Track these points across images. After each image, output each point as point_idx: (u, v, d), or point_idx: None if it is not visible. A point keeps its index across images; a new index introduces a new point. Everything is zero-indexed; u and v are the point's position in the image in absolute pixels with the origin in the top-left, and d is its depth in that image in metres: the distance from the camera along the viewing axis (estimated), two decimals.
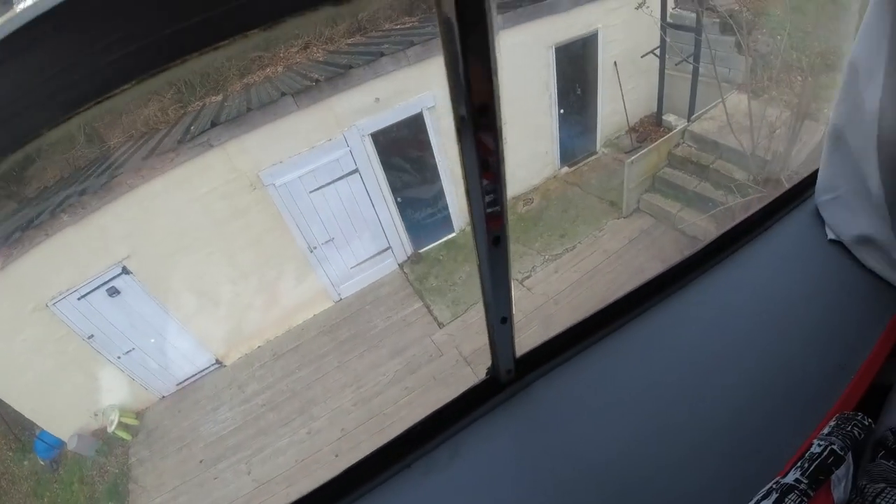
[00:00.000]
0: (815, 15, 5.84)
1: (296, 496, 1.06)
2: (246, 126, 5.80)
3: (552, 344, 1.22)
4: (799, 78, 5.92)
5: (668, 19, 7.15)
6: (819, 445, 0.78)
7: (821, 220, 1.40)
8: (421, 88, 6.53)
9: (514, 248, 7.18)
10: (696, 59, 6.89)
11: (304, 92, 5.96)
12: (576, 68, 7.48)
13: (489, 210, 0.78)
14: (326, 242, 6.90)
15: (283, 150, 6.11)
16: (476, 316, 6.60)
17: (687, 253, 1.37)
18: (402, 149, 6.97)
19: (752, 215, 1.45)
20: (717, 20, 6.79)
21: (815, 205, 1.42)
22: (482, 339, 1.11)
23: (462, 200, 6.08)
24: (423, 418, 1.11)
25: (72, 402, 6.16)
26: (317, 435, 5.99)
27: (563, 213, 7.49)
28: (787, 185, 1.53)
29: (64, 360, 5.90)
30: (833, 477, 0.75)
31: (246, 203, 6.15)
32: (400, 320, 6.93)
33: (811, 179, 1.45)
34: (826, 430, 0.80)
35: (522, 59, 6.94)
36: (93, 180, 5.60)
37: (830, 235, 1.31)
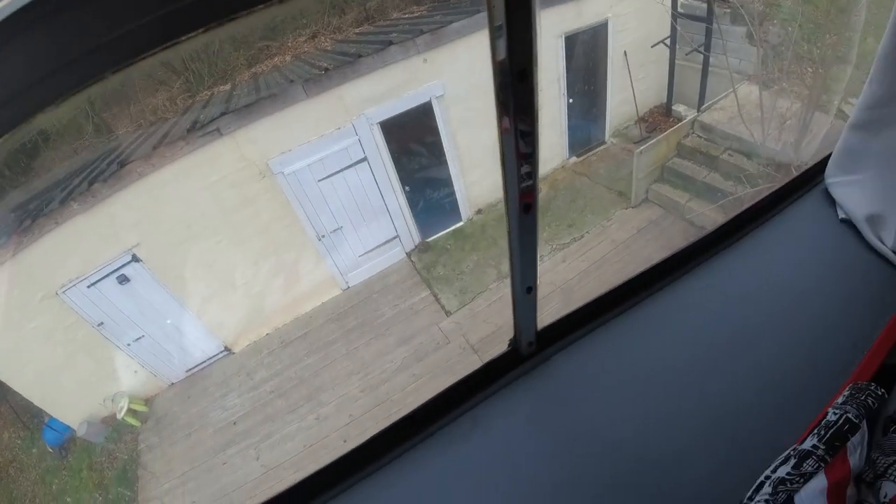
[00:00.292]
0: (827, 6, 5.78)
1: (327, 461, 1.10)
2: (255, 114, 5.81)
3: (572, 318, 1.26)
4: (810, 70, 5.87)
5: (679, 9, 7.10)
6: (834, 414, 0.80)
7: (831, 203, 1.42)
8: (430, 77, 6.52)
9: None
10: (707, 49, 6.84)
11: (313, 80, 5.96)
12: (585, 57, 7.44)
13: (523, 173, 0.82)
14: (335, 231, 6.92)
15: (292, 139, 6.12)
16: (483, 305, 6.63)
17: (701, 234, 1.41)
18: (410, 138, 6.97)
19: (764, 199, 1.49)
20: (729, 10, 6.73)
21: (826, 188, 1.46)
22: (489, 328, 1.15)
23: (470, 190, 6.16)
24: (445, 389, 1.17)
25: (81, 389, 6.23)
26: (325, 421, 6.04)
27: (571, 203, 7.48)
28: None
29: (73, 348, 5.96)
30: (849, 444, 0.77)
31: (255, 191, 6.17)
32: (407, 308, 6.95)
33: (821, 166, 1.50)
34: (840, 400, 0.82)
35: None
36: (103, 169, 5.61)
37: (841, 215, 1.32)
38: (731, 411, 1.07)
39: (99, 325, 5.94)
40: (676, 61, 7.46)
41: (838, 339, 1.08)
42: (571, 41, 7.11)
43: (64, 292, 5.60)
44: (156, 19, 0.48)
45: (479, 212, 7.73)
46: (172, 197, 5.78)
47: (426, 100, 6.65)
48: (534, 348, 1.21)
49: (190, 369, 6.85)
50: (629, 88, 7.81)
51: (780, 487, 0.74)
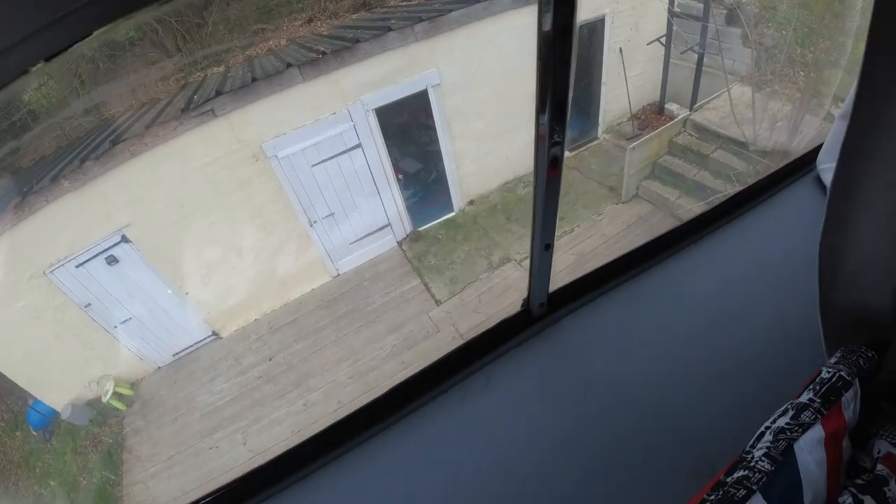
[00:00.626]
0: (822, 11, 5.90)
1: (348, 411, 1.18)
2: (251, 96, 5.76)
3: (581, 283, 1.38)
4: (802, 73, 6.00)
5: (676, 8, 7.17)
6: (828, 372, 0.86)
7: (822, 188, 1.58)
8: (427, 65, 6.51)
9: (513, 230, 7.26)
10: (702, 48, 6.93)
11: (310, 64, 5.91)
12: (581, 52, 7.48)
13: (554, 127, 0.94)
14: (327, 217, 6.90)
15: (287, 122, 6.07)
16: (473, 294, 6.67)
17: (700, 211, 1.58)
18: (405, 126, 6.98)
19: (760, 181, 1.68)
20: (725, 11, 6.83)
21: (817, 175, 1.60)
22: (479, 317, 1.26)
23: (462, 180, 6.18)
24: (458, 347, 1.27)
25: (67, 371, 6.12)
26: (313, 407, 6.04)
27: (562, 197, 7.20)
28: None
29: (60, 329, 5.86)
30: (843, 399, 0.83)
31: (248, 174, 6.12)
32: (398, 296, 6.96)
33: (813, 154, 1.66)
34: (833, 360, 0.88)
35: (530, 40, 6.88)
36: (95, 146, 5.51)
37: None
38: (730, 371, 1.18)
39: (86, 306, 5.85)
40: (671, 60, 7.55)
41: None
42: None
43: (52, 272, 5.51)
44: None
45: (471, 203, 7.75)
46: (165, 177, 5.71)
47: (422, 88, 6.64)
48: (545, 310, 1.31)
49: (177, 353, 6.79)
50: (623, 85, 7.88)
51: (780, 436, 0.79)
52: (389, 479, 1.13)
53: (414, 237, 7.55)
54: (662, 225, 6.83)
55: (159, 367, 6.74)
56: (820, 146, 1.63)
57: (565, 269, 6.58)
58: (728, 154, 6.61)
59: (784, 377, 0.88)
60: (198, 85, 6.58)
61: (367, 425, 1.17)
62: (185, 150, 5.65)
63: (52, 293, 5.61)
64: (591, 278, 1.41)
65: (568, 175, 7.93)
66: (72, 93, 6.40)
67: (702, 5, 6.74)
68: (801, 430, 0.79)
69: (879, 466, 0.82)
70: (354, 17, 7.54)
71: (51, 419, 6.09)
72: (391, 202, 7.24)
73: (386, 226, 7.39)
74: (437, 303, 6.71)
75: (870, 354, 0.88)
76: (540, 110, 0.94)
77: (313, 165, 6.43)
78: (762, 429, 0.81)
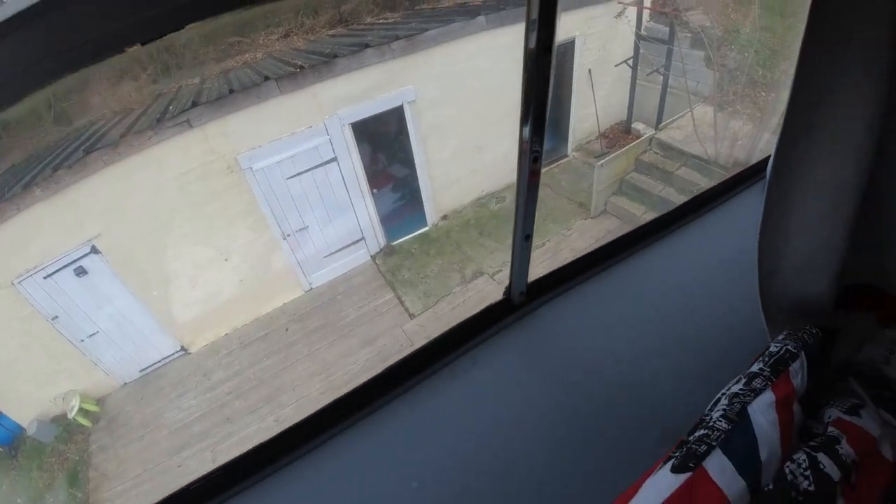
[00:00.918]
0: (783, 34, 6.24)
1: (347, 390, 1.29)
2: (227, 108, 5.75)
3: (557, 274, 1.53)
4: (763, 94, 6.31)
5: (643, 31, 7.48)
6: (776, 346, 0.94)
7: None
8: (404, 82, 6.61)
9: (486, 244, 7.35)
10: (667, 70, 7.23)
11: (288, 77, 5.95)
12: (558, 72, 7.70)
13: (532, 124, 1.10)
14: (300, 230, 6.87)
15: (263, 135, 6.07)
16: (447, 308, 6.71)
17: (661, 212, 1.77)
18: (381, 141, 7.04)
19: (716, 186, 1.89)
20: (689, 35, 7.16)
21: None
22: None
23: (436, 195, 6.29)
24: (445, 332, 1.39)
25: (33, 385, 5.91)
26: (285, 423, 5.85)
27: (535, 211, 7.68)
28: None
29: (27, 341, 5.67)
30: (790, 368, 0.90)
31: (222, 186, 6.07)
32: (371, 310, 6.95)
33: (764, 163, 1.84)
34: (781, 337, 0.96)
35: (503, 60, 7.10)
36: (68, 155, 5.41)
37: None
38: (690, 351, 1.32)
39: (54, 318, 5.68)
40: (637, 81, 7.85)
41: None
42: None
43: (20, 282, 5.34)
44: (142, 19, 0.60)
45: (444, 217, 7.84)
46: (137, 187, 5.62)
47: (398, 104, 6.73)
48: (524, 299, 1.45)
49: (144, 369, 6.61)
50: (592, 105, 8.14)
51: (735, 400, 0.86)
52: (385, 457, 1.21)
53: (388, 251, 7.58)
54: None
55: (126, 383, 6.55)
56: (770, 156, 1.79)
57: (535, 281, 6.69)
58: (692, 171, 6.89)
59: (738, 355, 0.97)
60: (173, 96, 6.53)
61: (362, 405, 1.26)
62: (159, 160, 5.58)
63: (20, 304, 5.44)
64: (566, 270, 1.56)
65: (539, 191, 8.07)
66: (43, 102, 6.27)
67: (667, 29, 7.05)
68: (753, 394, 0.87)
69: (830, 429, 0.89)
70: (331, 32, 7.62)
71: (16, 435, 5.85)
72: (365, 216, 7.27)
73: (360, 240, 7.40)
74: (411, 316, 6.73)
75: (814, 331, 0.97)
76: (523, 121, 1.11)
77: (288, 178, 6.42)
78: (719, 395, 0.89)
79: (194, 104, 5.62)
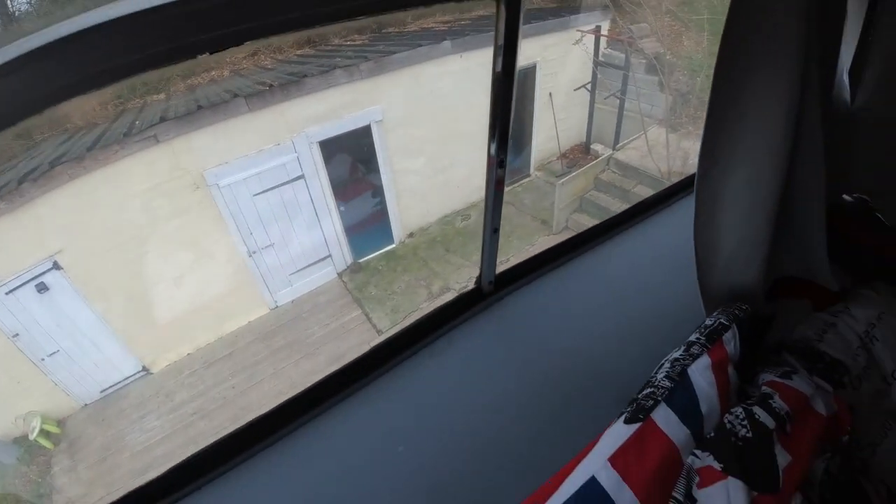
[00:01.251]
0: None
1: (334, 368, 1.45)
2: (194, 124, 5.74)
3: (522, 267, 1.76)
4: None
5: (600, 57, 7.86)
6: (711, 320, 1.10)
7: None
8: (371, 102, 6.75)
9: (452, 261, 7.47)
10: (623, 94, 7.60)
11: (257, 95, 6.00)
12: (518, 96, 7.98)
13: (498, 137, 1.34)
14: (266, 248, 6.84)
15: (231, 151, 6.07)
16: None
17: (613, 215, 2.07)
18: (348, 159, 7.12)
19: (661, 192, 2.16)
20: (644, 61, 7.56)
21: None
22: None
23: (403, 213, 6.42)
24: (423, 317, 1.59)
25: None
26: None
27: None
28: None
29: None
30: (723, 337, 1.05)
31: (187, 202, 6.02)
32: (339, 327, 6.94)
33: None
34: (715, 313, 1.12)
35: (467, 83, 7.34)
36: (32, 168, 5.30)
37: None
38: (639, 330, 1.54)
39: (14, 336, 5.48)
40: (596, 104, 8.22)
41: None
42: None
43: None
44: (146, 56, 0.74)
45: (410, 235, 7.94)
46: (102, 202, 5.52)
47: (366, 123, 6.85)
48: (492, 288, 1.66)
49: (104, 389, 6.40)
50: (553, 127, 8.44)
51: (676, 363, 1.01)
52: (374, 426, 1.37)
53: (354, 268, 7.62)
54: None
55: (86, 404, 6.32)
56: None
57: None
58: (647, 188, 7.23)
59: (681, 333, 1.11)
60: (138, 110, 6.48)
61: (352, 381, 1.43)
62: (125, 175, 5.51)
63: None
64: (530, 264, 1.78)
65: (503, 209, 8.29)
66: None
67: (623, 56, 7.43)
68: (692, 358, 1.01)
69: (764, 388, 1.04)
70: (298, 52, 7.70)
71: None
72: (332, 233, 7.30)
73: (326, 257, 7.42)
74: (379, 332, 6.75)
75: (744, 307, 1.12)
76: (491, 138, 1.35)
77: (255, 195, 6.42)
78: (663, 361, 1.03)
79: (162, 119, 5.60)
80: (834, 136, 1.12)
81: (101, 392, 6.39)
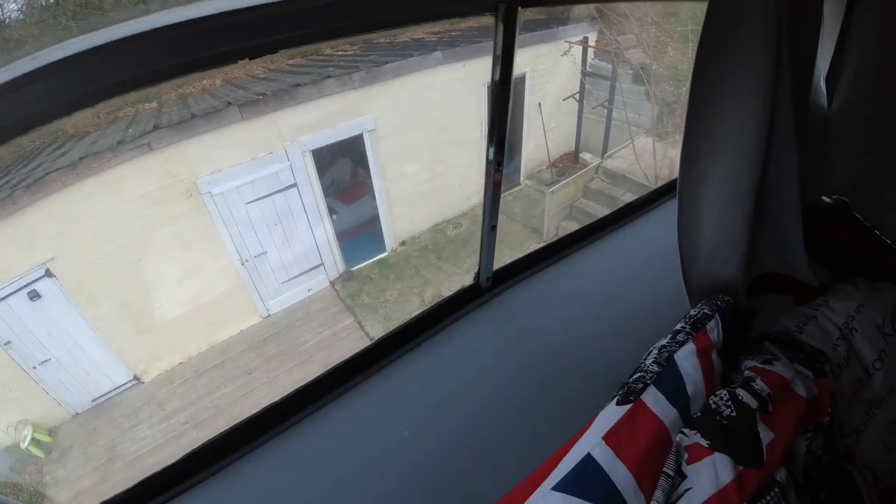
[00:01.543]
0: None
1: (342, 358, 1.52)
2: (188, 132, 5.77)
3: (517, 264, 1.85)
4: None
5: (588, 68, 8.00)
6: (695, 311, 1.17)
7: None
8: (363, 111, 6.82)
9: (444, 268, 7.51)
10: (611, 104, 7.74)
11: (250, 104, 6.05)
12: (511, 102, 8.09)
13: (496, 141, 1.45)
14: (258, 256, 6.85)
15: (224, 160, 6.10)
16: None
17: (605, 215, 2.21)
18: (341, 167, 7.18)
19: (652, 192, 2.32)
20: (631, 71, 7.71)
21: None
22: None
23: (395, 222, 6.49)
24: (424, 311, 1.68)
25: None
26: None
27: None
28: None
29: None
30: (707, 326, 1.13)
31: (180, 210, 6.03)
32: (331, 335, 6.95)
33: None
34: (699, 304, 1.19)
35: (458, 93, 7.44)
36: (25, 175, 5.29)
37: None
38: (628, 323, 1.63)
39: (6, 344, 5.43)
40: (584, 114, 8.35)
41: None
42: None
43: None
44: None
45: (403, 243, 7.99)
46: (94, 210, 5.51)
47: (358, 132, 6.92)
48: (490, 284, 1.75)
49: (96, 398, 6.33)
50: (542, 136, 8.56)
51: (663, 350, 1.08)
52: (381, 413, 1.44)
53: (347, 276, 7.64)
54: None
55: (77, 413, 6.25)
56: None
57: None
58: (635, 196, 7.30)
59: (668, 325, 1.18)
60: (131, 119, 6.49)
61: (358, 372, 1.51)
62: (118, 182, 5.52)
63: None
64: (525, 261, 1.88)
65: None
66: None
67: (610, 66, 7.58)
68: (677, 345, 1.08)
69: (747, 372, 1.11)
70: (290, 62, 7.76)
71: None
72: (324, 242, 7.32)
73: (319, 265, 7.44)
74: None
75: (726, 299, 1.20)
76: (489, 142, 1.46)
77: (248, 203, 6.44)
78: (651, 348, 1.11)
79: (155, 127, 5.63)
80: (812, 140, 1.20)
81: (93, 401, 6.33)
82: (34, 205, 5.07)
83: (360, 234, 7.73)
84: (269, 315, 7.32)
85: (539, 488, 0.91)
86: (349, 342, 6.81)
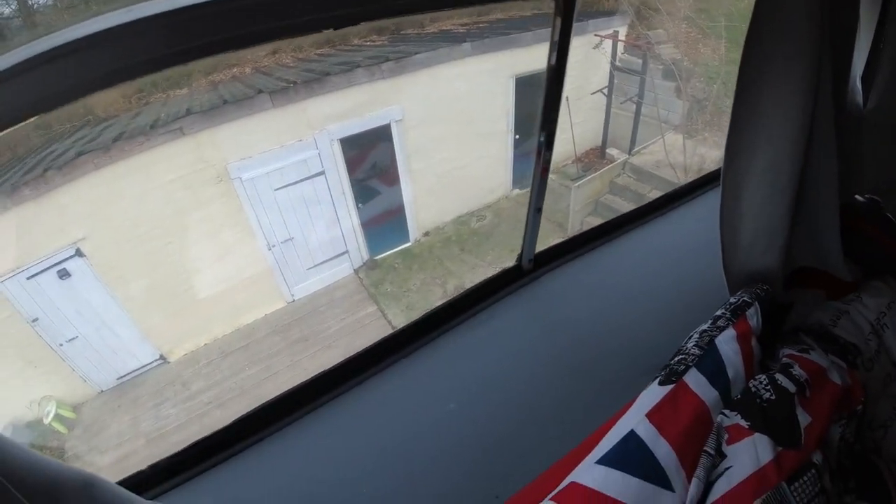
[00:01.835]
0: None
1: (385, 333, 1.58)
2: (219, 118, 5.86)
3: (558, 248, 1.88)
4: (729, 122, 6.78)
5: (618, 62, 7.93)
6: (735, 298, 1.20)
7: None
8: (391, 101, 6.85)
9: (467, 260, 7.53)
10: (640, 99, 7.67)
11: (281, 92, 6.11)
12: (533, 99, 8.05)
13: (547, 132, 1.52)
14: (285, 242, 6.94)
15: (254, 146, 6.19)
16: None
17: (643, 202, 2.20)
18: (367, 157, 7.22)
19: (693, 182, 2.30)
20: (661, 67, 7.63)
21: None
22: None
23: (419, 212, 6.54)
24: (468, 290, 1.71)
25: (9, 387, 5.75)
26: None
27: (513, 230, 7.96)
28: None
29: (4, 344, 5.54)
30: (747, 312, 1.15)
31: (209, 195, 6.13)
32: (354, 322, 7.02)
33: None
34: (739, 292, 1.22)
35: (486, 85, 7.44)
36: (58, 155, 5.41)
37: None
38: (667, 310, 1.62)
39: (34, 321, 5.58)
40: (612, 109, 8.27)
41: None
42: (522, 83, 7.71)
43: (2, 282, 5.26)
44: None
45: (426, 234, 8.03)
46: (126, 192, 5.64)
47: (386, 122, 6.96)
48: (531, 266, 1.78)
49: (121, 377, 6.49)
50: (569, 130, 8.50)
51: (704, 334, 1.11)
52: (428, 385, 1.50)
53: (371, 265, 7.70)
54: None
55: (102, 391, 6.41)
56: None
57: None
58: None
59: (706, 313, 1.20)
60: (162, 104, 6.60)
61: (406, 345, 1.57)
62: (150, 166, 5.63)
63: (0, 305, 5.34)
64: (566, 245, 1.91)
65: (518, 211, 8.38)
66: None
67: (640, 61, 7.51)
68: (718, 330, 1.11)
69: (784, 359, 1.14)
70: (318, 52, 7.82)
71: None
72: (350, 230, 7.39)
73: (343, 253, 7.51)
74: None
75: (765, 287, 1.22)
76: (541, 127, 1.52)
77: (276, 189, 6.52)
78: (691, 333, 1.13)
79: (188, 112, 5.71)
80: (846, 139, 1.21)
81: (118, 379, 6.48)
82: (66, 185, 5.19)
83: (384, 223, 7.77)
84: (294, 300, 7.42)
85: (583, 462, 0.94)
86: (371, 329, 6.87)
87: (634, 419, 0.96)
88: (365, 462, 1.28)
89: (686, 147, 6.70)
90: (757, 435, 0.96)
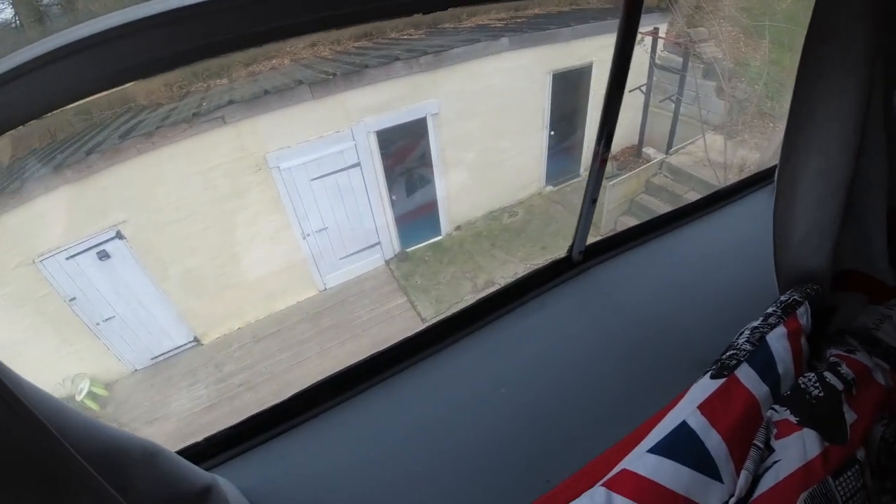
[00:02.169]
0: (791, 68, 6.58)
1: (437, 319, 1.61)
2: (259, 108, 5.96)
3: (608, 241, 1.90)
4: (770, 124, 6.63)
5: (657, 60, 7.83)
6: (786, 297, 1.23)
7: None
8: (428, 95, 6.88)
9: (497, 256, 7.53)
10: (680, 97, 7.56)
11: (320, 83, 6.19)
12: (569, 95, 8.02)
13: (609, 119, 1.52)
14: (320, 231, 7.04)
15: (293, 136, 6.28)
16: None
17: (680, 204, 2.17)
18: (402, 150, 7.26)
19: (733, 185, 2.26)
20: (702, 65, 7.51)
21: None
22: None
23: (451, 206, 6.54)
24: (519, 278, 1.73)
25: (43, 365, 5.92)
26: None
27: (545, 228, 7.93)
28: None
29: (41, 321, 5.71)
30: (797, 311, 1.19)
31: (248, 183, 6.25)
32: (383, 313, 7.09)
33: (771, 170, 2.20)
34: (790, 291, 1.25)
35: (522, 80, 7.42)
36: (102, 140, 5.57)
37: None
38: (716, 306, 1.63)
39: (71, 300, 5.75)
40: (650, 108, 8.17)
41: None
42: (558, 79, 7.67)
43: (42, 261, 5.44)
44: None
45: (458, 228, 8.05)
46: (166, 178, 5.78)
47: (422, 116, 6.99)
48: (581, 258, 1.80)
49: (155, 357, 6.67)
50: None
51: (755, 331, 1.14)
52: (479, 369, 1.51)
53: (402, 257, 7.76)
54: None
55: (136, 370, 6.59)
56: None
57: None
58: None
59: (751, 312, 1.22)
60: (203, 94, 6.74)
61: (460, 328, 1.60)
62: (191, 153, 5.77)
63: (39, 283, 5.51)
64: (616, 239, 1.92)
65: (551, 208, 8.36)
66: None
67: (681, 59, 7.40)
68: (769, 327, 1.14)
69: (832, 358, 1.16)
70: (356, 45, 7.89)
71: None
72: (383, 221, 7.46)
73: (376, 244, 7.58)
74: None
75: (815, 287, 1.25)
76: (603, 120, 1.53)
77: (312, 179, 6.62)
78: (742, 329, 1.16)
79: (230, 102, 5.83)
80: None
81: (152, 359, 6.67)
82: (108, 169, 5.34)
83: (417, 216, 7.81)
84: (326, 289, 7.52)
85: (634, 450, 0.98)
86: (401, 321, 6.93)
87: (686, 410, 1.00)
88: (417, 442, 1.31)
89: (727, 148, 6.57)
90: (805, 430, 0.99)
